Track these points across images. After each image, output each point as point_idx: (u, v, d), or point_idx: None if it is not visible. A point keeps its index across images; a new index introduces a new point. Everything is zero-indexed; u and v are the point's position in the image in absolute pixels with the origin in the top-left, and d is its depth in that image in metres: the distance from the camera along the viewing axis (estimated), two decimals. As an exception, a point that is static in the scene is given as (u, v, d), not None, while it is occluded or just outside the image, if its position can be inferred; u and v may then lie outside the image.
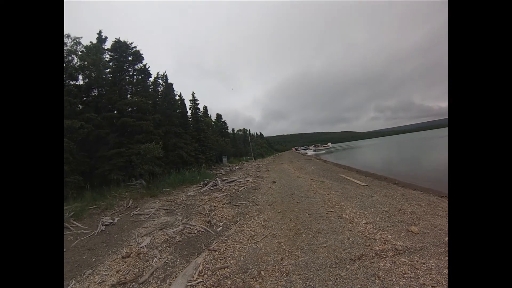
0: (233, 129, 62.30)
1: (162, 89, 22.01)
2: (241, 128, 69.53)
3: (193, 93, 28.69)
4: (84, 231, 6.49)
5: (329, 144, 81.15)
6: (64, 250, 5.14)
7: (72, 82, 12.62)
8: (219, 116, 50.45)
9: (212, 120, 45.56)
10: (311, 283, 3.06)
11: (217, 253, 4.25)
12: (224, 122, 51.55)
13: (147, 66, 16.69)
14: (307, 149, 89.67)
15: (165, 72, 23.28)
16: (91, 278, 3.93)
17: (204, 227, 5.79)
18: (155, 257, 4.45)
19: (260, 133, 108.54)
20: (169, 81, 22.72)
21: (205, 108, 41.83)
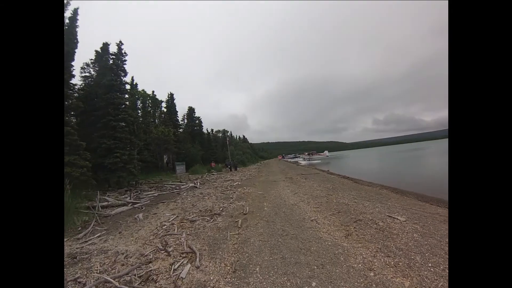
0: (212, 130, 52.37)
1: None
2: (220, 129, 58.78)
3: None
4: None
5: (326, 153, 73.62)
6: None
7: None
8: (171, 97, 41.78)
9: (148, 95, 38.11)
10: None
11: None
12: (199, 120, 41.05)
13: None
14: (297, 157, 79.75)
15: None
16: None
17: None
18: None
19: (244, 136, 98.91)
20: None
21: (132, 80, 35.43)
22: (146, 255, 5.09)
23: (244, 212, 8.37)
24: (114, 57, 17.31)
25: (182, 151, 35.50)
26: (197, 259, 4.74)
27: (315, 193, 11.64)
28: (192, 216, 8.26)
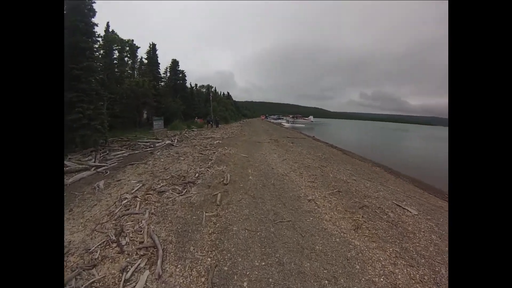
0: (195, 85, 49.82)
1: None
2: (205, 84, 56.05)
3: None
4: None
5: (311, 118, 72.83)
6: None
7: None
8: (152, 47, 36.72)
9: (126, 42, 33.54)
10: None
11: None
12: (183, 74, 38.49)
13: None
14: (280, 118, 78.99)
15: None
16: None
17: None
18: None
19: (228, 93, 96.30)
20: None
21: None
22: (92, 252, 3.60)
23: (224, 182, 6.84)
24: None
25: (162, 105, 32.57)
26: (159, 261, 3.31)
27: (306, 162, 10.33)
28: (161, 185, 6.66)
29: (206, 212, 4.87)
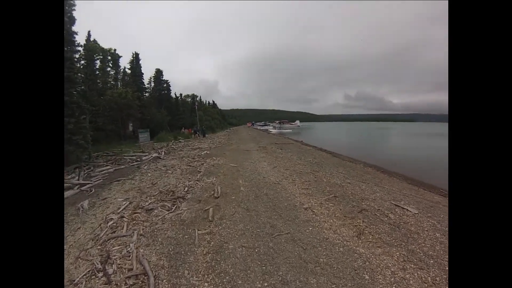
0: (180, 94, 49.56)
1: None
2: (189, 94, 55.44)
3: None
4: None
5: (297, 123, 73.70)
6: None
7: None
8: (136, 57, 36.58)
9: (108, 50, 32.07)
10: None
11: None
12: (167, 84, 38.12)
13: None
14: (267, 125, 79.42)
15: None
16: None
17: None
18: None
19: (213, 101, 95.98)
20: None
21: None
22: (77, 284, 3.22)
23: (215, 195, 6.51)
24: None
25: (147, 117, 31.86)
26: (151, 294, 3.06)
27: (298, 168, 10.09)
28: (150, 202, 6.27)
29: (198, 230, 4.55)
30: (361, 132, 61.37)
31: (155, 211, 5.64)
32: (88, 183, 9.18)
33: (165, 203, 6.09)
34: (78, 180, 9.77)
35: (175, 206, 5.89)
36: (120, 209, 5.90)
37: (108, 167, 12.26)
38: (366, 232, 4.43)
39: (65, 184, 8.73)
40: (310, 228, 4.54)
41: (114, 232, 4.78)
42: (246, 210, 5.46)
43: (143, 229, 4.78)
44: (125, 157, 14.92)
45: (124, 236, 4.56)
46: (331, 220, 4.91)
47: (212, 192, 6.80)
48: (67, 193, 7.87)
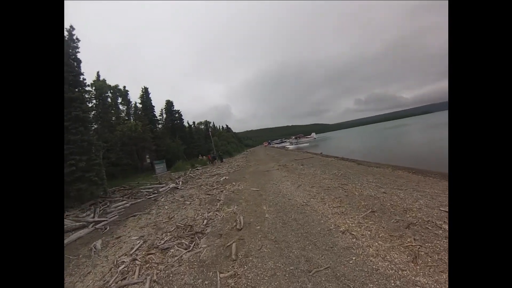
0: (193, 122, 50.51)
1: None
2: (202, 121, 56.42)
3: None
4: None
5: (313, 135, 71.66)
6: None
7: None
8: (145, 91, 38.01)
9: (109, 86, 32.50)
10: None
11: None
12: (179, 113, 38.62)
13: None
14: (283, 142, 79.75)
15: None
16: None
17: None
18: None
19: (227, 126, 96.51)
20: None
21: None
22: None
23: (237, 226, 5.78)
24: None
25: (163, 148, 32.31)
26: None
27: (324, 184, 9.23)
28: (165, 239, 5.65)
29: (220, 273, 3.83)
30: (375, 134, 60.10)
31: (171, 250, 5.01)
32: (103, 220, 8.86)
33: (183, 240, 5.43)
34: (93, 217, 9.47)
35: (193, 243, 5.19)
36: (134, 250, 5.32)
37: (124, 201, 11.93)
38: (422, 253, 3.62)
39: (79, 223, 8.46)
40: (354, 258, 3.75)
41: (125, 278, 4.17)
42: (275, 242, 4.69)
43: (157, 273, 4.15)
44: (141, 190, 14.56)
45: (135, 283, 3.94)
46: (376, 243, 4.09)
47: (234, 224, 6.07)
48: (80, 233, 7.53)
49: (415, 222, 4.70)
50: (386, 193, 6.87)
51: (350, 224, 5.00)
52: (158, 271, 4.21)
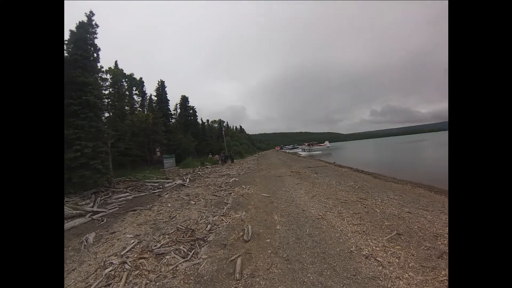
0: (207, 120, 50.68)
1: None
2: (216, 119, 56.11)
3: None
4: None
5: (327, 143, 71.13)
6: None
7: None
8: (161, 84, 37.69)
9: (124, 74, 31.89)
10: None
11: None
12: (193, 110, 38.47)
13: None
14: (296, 148, 79.94)
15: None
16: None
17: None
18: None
19: (240, 126, 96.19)
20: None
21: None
22: None
23: (245, 237, 5.08)
24: (80, 28, 13.20)
25: (174, 142, 31.79)
26: None
27: (341, 196, 8.50)
28: (162, 243, 5.03)
29: (221, 296, 3.26)
30: (390, 148, 58.41)
31: (167, 257, 4.39)
32: (102, 211, 8.41)
33: (181, 246, 4.80)
34: (93, 207, 9.09)
35: (192, 252, 4.56)
36: (126, 250, 4.76)
37: (127, 193, 11.53)
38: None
39: (76, 211, 8.14)
40: (382, 293, 3.15)
41: (109, 285, 3.61)
42: (287, 261, 4.01)
43: (146, 284, 3.55)
44: (147, 184, 14.10)
45: (121, 293, 3.42)
46: (407, 275, 3.41)
47: (241, 233, 5.37)
48: (75, 222, 7.16)
49: (447, 250, 4.03)
50: (411, 213, 6.11)
51: (374, 248, 4.30)
52: (147, 281, 3.62)
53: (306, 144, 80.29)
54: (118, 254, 4.68)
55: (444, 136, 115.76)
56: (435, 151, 38.12)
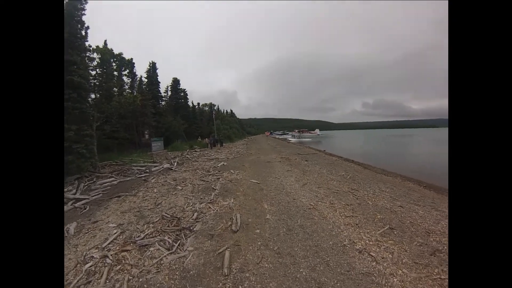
0: (198, 103, 50.01)
1: None
2: (207, 103, 55.50)
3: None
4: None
5: (317, 131, 71.57)
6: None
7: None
8: (152, 66, 36.70)
9: (112, 53, 29.65)
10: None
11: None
12: (184, 92, 37.79)
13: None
14: (286, 134, 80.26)
15: None
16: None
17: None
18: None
19: (231, 110, 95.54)
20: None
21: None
22: None
23: (233, 227, 4.87)
24: (67, 4, 12.38)
25: (163, 125, 31.38)
26: None
27: (332, 186, 8.39)
28: (146, 233, 4.77)
29: (208, 293, 3.09)
30: (380, 140, 59.37)
31: (151, 249, 4.15)
32: (85, 199, 7.95)
33: (166, 237, 4.56)
34: (75, 194, 8.57)
35: (178, 243, 4.33)
36: (107, 242, 4.48)
37: (112, 178, 11.07)
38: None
39: None
40: (376, 288, 3.05)
41: (89, 282, 3.36)
42: (278, 254, 3.85)
43: (129, 280, 3.32)
44: (133, 168, 13.64)
45: (101, 290, 3.19)
46: (400, 271, 3.32)
47: (229, 223, 5.15)
48: None
49: (440, 248, 3.95)
50: (403, 207, 6.06)
51: (367, 242, 4.21)
52: (130, 277, 3.39)
53: (296, 130, 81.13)
54: (99, 246, 4.40)
55: (433, 132, 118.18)
56: (425, 146, 38.78)
